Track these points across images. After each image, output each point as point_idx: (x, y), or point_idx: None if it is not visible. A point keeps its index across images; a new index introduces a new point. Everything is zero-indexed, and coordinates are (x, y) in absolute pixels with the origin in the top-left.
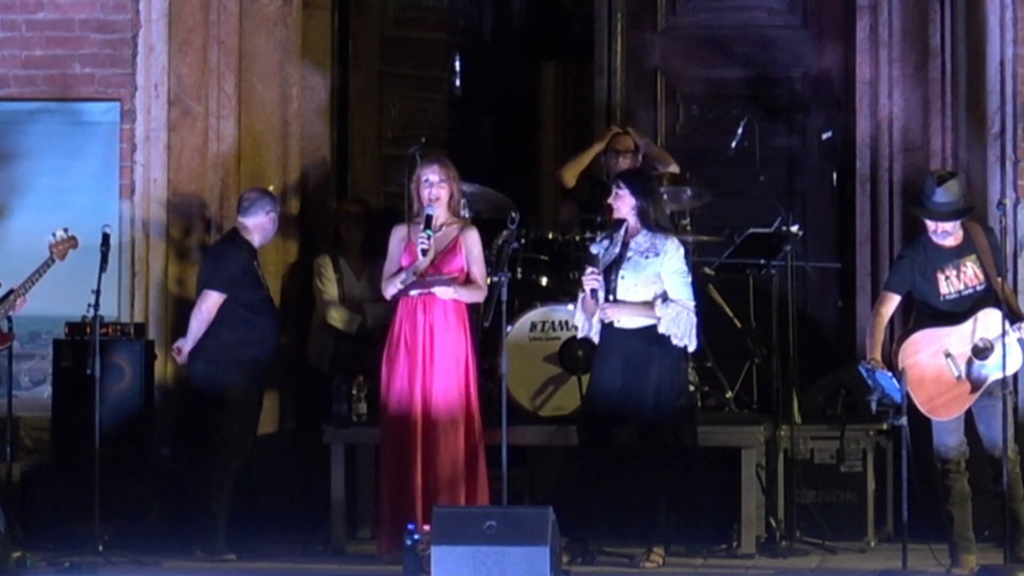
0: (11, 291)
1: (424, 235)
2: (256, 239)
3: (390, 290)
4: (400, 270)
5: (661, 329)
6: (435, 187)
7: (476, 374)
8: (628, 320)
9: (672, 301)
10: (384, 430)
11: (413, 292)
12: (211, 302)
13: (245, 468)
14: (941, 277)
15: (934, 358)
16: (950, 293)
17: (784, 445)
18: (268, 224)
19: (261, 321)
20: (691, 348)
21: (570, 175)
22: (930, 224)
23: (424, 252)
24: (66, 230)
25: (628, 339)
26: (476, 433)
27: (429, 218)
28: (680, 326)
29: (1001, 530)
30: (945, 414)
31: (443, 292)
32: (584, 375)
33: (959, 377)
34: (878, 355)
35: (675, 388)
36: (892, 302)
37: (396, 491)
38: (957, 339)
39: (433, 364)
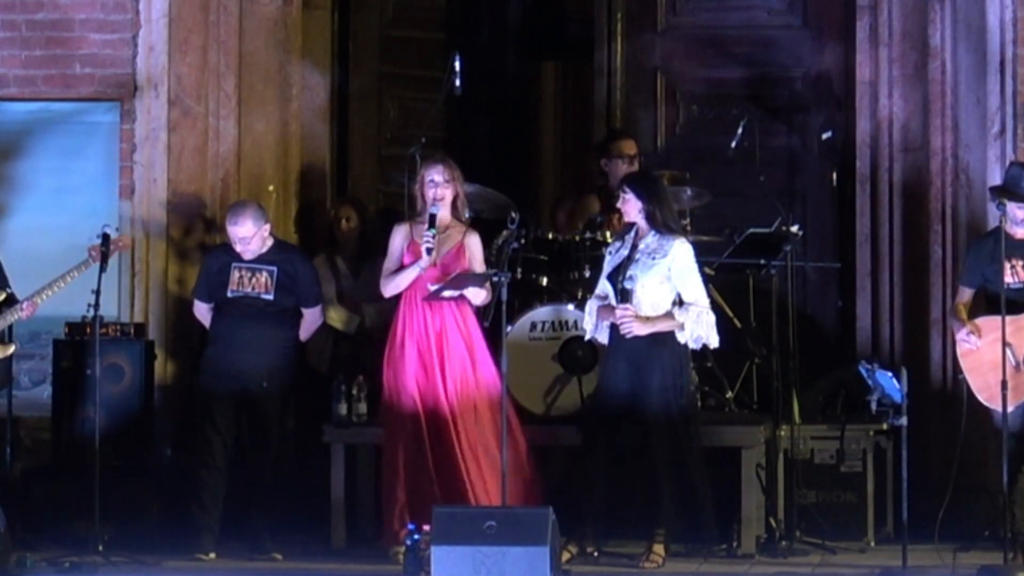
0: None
1: (429, 234)
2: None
3: (390, 289)
4: (401, 268)
5: (686, 335)
6: (440, 187)
7: (496, 372)
8: (641, 327)
9: (689, 304)
10: (394, 431)
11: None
12: (195, 310)
13: (244, 471)
14: (1008, 266)
15: (992, 345)
16: (1014, 283)
17: (784, 445)
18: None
19: (220, 322)
20: (712, 345)
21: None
22: (1020, 212)
23: (429, 251)
24: (117, 229)
25: (635, 340)
26: (516, 431)
27: (433, 217)
28: (702, 326)
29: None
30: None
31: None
32: (584, 375)
33: (1017, 366)
34: (969, 326)
35: (681, 388)
36: (966, 294)
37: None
38: (1016, 329)
39: (451, 364)
